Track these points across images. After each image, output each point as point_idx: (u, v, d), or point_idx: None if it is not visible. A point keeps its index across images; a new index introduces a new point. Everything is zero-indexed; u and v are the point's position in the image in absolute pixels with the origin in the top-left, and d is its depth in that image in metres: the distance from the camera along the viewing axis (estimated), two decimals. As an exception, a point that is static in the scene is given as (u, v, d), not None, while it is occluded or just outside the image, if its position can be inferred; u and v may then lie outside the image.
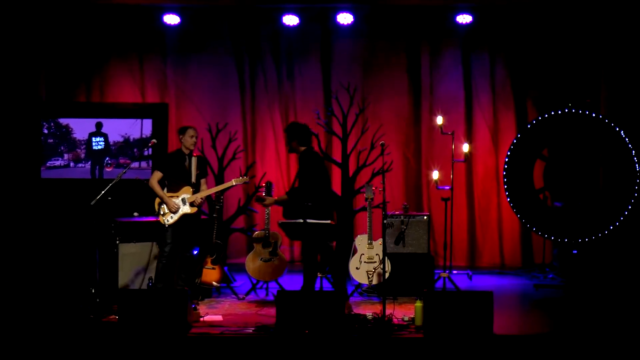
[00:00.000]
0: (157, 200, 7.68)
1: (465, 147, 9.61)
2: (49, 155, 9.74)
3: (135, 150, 9.75)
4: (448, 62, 10.58)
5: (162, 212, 7.64)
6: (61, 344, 6.40)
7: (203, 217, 8.99)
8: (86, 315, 7.20)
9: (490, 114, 10.62)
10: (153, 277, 7.73)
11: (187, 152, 7.79)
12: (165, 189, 7.72)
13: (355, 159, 10.01)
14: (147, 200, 7.89)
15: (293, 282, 9.02)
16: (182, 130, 7.83)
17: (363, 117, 10.12)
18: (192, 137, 7.77)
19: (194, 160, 7.82)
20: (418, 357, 6.33)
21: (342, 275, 7.84)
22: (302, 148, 7.66)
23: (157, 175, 7.72)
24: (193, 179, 7.78)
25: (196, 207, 7.73)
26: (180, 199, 7.69)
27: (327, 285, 8.26)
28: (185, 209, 7.68)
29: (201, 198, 7.77)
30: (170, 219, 7.63)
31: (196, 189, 7.78)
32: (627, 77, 9.64)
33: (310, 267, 7.50)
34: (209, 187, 8.07)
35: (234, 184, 7.97)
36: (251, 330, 6.70)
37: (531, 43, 10.39)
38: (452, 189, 9.11)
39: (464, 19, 10.10)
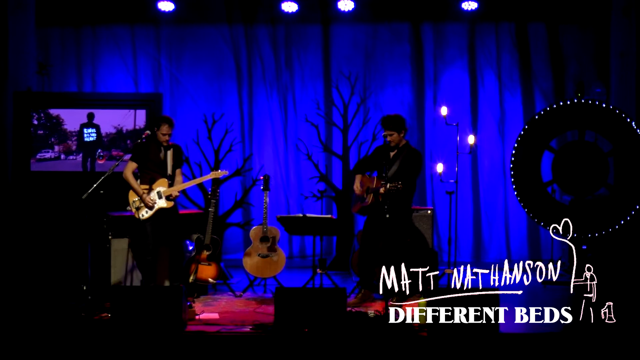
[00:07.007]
0: (132, 193, 7.49)
1: (471, 139, 9.42)
2: (39, 147, 9.62)
3: (128, 142, 9.62)
4: (453, 49, 10.47)
5: (136, 207, 7.46)
6: (51, 343, 6.27)
7: (199, 211, 8.84)
8: (77, 312, 7.08)
9: (496, 104, 10.49)
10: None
11: (162, 141, 7.54)
12: (139, 180, 7.52)
13: (356, 151, 9.98)
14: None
15: (292, 278, 8.96)
16: (157, 123, 7.54)
17: (364, 107, 10.14)
18: (164, 134, 7.51)
19: (169, 150, 7.59)
20: (421, 356, 6.21)
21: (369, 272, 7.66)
22: (405, 141, 7.61)
23: (132, 166, 7.53)
24: (169, 171, 7.57)
25: (172, 201, 7.53)
26: (155, 192, 7.49)
27: (327, 282, 8.11)
28: (161, 203, 7.50)
29: (178, 192, 7.57)
30: (145, 214, 7.48)
31: (171, 181, 7.57)
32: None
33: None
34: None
35: (212, 177, 7.81)
36: (249, 329, 6.59)
37: (539, 30, 10.29)
38: (456, 182, 9.01)
39: (469, 5, 10.07)
